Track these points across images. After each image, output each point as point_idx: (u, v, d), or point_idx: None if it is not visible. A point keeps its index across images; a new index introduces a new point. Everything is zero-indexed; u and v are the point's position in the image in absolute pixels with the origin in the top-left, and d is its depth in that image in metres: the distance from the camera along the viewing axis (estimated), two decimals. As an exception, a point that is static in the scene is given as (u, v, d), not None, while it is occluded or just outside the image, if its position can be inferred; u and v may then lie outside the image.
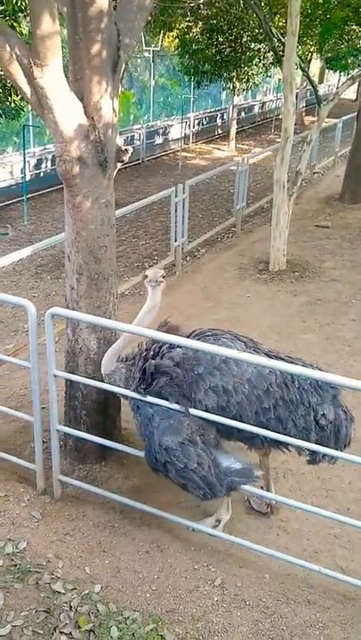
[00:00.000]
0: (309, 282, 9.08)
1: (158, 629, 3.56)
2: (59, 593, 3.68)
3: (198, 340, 4.12)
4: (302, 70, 10.97)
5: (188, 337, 4.15)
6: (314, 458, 4.03)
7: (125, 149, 4.40)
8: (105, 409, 4.91)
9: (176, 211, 8.94)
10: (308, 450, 3.96)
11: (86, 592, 3.71)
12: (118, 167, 4.48)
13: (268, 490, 4.48)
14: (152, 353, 4.11)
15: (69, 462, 4.92)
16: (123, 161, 4.45)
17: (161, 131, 20.03)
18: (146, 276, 4.14)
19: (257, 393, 3.89)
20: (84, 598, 3.66)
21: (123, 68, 4.18)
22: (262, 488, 4.48)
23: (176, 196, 8.80)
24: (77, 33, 3.99)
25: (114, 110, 4.20)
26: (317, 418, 3.96)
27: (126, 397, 4.22)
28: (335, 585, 3.93)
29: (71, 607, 3.59)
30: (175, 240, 9.10)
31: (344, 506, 4.66)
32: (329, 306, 8.27)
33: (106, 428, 4.92)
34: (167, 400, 3.92)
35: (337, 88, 10.81)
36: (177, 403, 3.88)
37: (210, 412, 3.86)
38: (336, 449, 3.98)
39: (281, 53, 9.12)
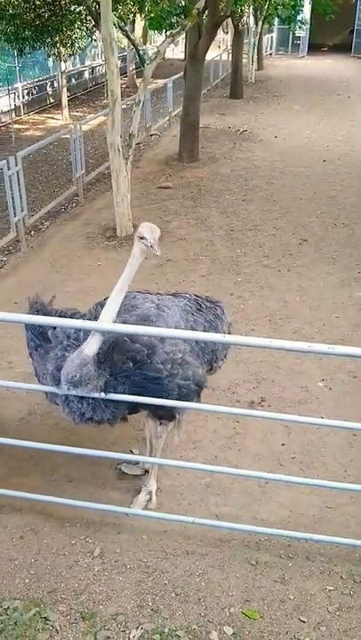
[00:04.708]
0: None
1: (41, 612, 3.50)
2: None
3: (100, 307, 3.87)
4: (122, 30, 10.80)
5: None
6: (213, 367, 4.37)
7: None
8: None
9: (11, 184, 8.55)
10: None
11: None
12: None
13: (152, 450, 4.38)
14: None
15: None
16: None
17: (-13, 104, 18.97)
18: (142, 237, 3.44)
19: (190, 325, 4.17)
20: None
21: None
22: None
23: (9, 168, 8.40)
24: None
25: None
26: (224, 327, 4.53)
27: None
28: (211, 532, 4.06)
29: None
30: (15, 215, 8.72)
31: (211, 454, 4.79)
32: (178, 265, 8.37)
33: None
34: None
35: (157, 47, 10.76)
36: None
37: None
38: (226, 353, 4.48)
39: (98, 14, 8.88)
